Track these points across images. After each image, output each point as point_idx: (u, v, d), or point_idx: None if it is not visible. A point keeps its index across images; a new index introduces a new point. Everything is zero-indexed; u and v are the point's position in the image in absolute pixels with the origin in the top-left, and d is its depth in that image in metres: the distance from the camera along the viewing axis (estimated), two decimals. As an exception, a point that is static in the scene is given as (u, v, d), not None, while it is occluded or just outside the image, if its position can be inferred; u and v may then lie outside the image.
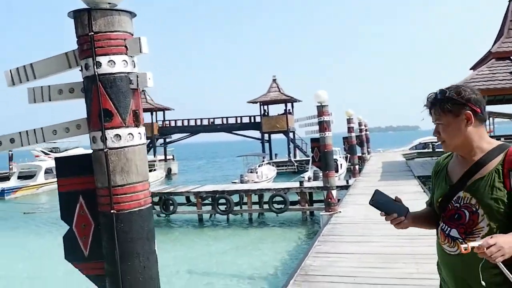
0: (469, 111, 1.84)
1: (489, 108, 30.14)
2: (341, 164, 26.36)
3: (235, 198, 17.75)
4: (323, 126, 10.01)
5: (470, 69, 21.88)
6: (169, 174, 42.81)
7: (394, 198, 2.08)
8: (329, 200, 9.99)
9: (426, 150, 36.07)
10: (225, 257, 12.87)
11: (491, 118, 35.08)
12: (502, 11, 19.77)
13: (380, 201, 2.03)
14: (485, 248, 1.60)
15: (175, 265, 12.17)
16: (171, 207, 17.58)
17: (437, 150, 33.84)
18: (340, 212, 10.04)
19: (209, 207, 17.67)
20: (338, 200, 13.67)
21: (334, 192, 10.09)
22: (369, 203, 2.03)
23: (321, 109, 10.06)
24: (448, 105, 1.85)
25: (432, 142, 37.32)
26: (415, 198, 11.69)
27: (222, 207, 17.21)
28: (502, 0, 19.80)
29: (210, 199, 17.74)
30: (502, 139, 23.10)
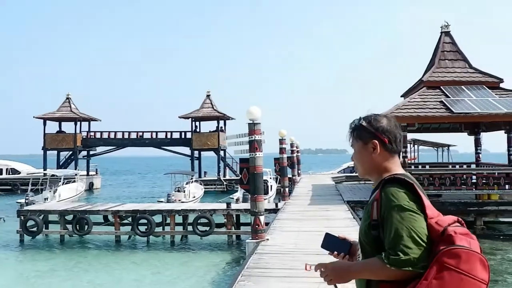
0: (375, 141, 1.85)
1: (416, 136, 31.20)
2: (271, 186, 25.82)
3: (158, 218, 16.51)
4: (254, 146, 9.21)
5: (401, 96, 22.25)
6: (91, 188, 40.35)
7: (338, 236, 2.06)
8: (257, 226, 9.15)
9: (354, 174, 36.48)
10: (142, 283, 11.65)
11: (415, 146, 36.40)
12: (433, 41, 20.34)
13: (330, 243, 2.02)
14: (318, 271, 1.82)
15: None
16: (86, 227, 15.99)
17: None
18: (267, 239, 9.22)
19: (128, 228, 16.26)
20: (267, 224, 12.93)
21: (262, 218, 9.27)
22: (321, 247, 2.05)
23: (252, 127, 9.26)
24: (359, 132, 1.89)
25: (360, 167, 37.91)
26: (346, 225, 11.17)
27: (143, 228, 15.90)
28: (434, 31, 20.40)
29: (130, 219, 16.37)
30: (427, 166, 23.64)
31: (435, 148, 37.07)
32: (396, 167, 1.86)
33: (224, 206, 16.00)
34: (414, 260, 1.60)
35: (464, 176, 16.25)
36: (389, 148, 1.85)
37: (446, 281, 1.55)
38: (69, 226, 16.27)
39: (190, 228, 15.78)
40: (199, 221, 15.62)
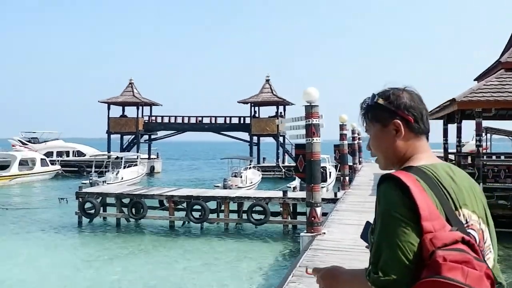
0: (398, 120, 1.46)
1: (490, 123, 28.89)
2: (330, 173, 24.79)
3: (212, 205, 16.13)
4: (311, 131, 8.39)
5: (475, 79, 20.46)
6: (152, 172, 41.09)
7: None
8: (313, 219, 8.38)
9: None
10: (193, 273, 11.28)
11: (487, 134, 33.80)
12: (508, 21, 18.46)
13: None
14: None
15: (137, 279, 10.59)
16: (141, 211, 15.90)
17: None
18: (324, 233, 8.44)
19: (183, 213, 15.99)
20: (325, 214, 12.11)
21: (318, 210, 8.49)
22: (360, 237, 1.65)
23: (309, 110, 8.45)
24: (376, 112, 1.50)
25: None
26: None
27: (197, 214, 15.58)
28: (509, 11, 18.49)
29: (184, 204, 16.09)
30: (502, 157, 21.67)
31: (510, 138, 34.24)
32: (423, 153, 1.49)
33: (280, 194, 15.32)
34: (394, 283, 1.25)
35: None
36: (416, 128, 1.49)
37: None
38: (125, 210, 16.25)
39: (244, 216, 15.28)
40: (253, 209, 15.08)
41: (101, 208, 16.88)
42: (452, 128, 21.27)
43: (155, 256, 12.89)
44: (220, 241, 14.44)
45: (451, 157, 21.40)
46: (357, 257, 6.86)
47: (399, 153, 1.49)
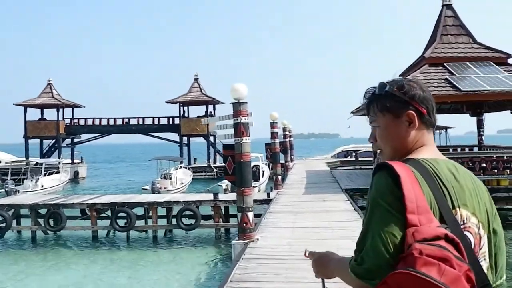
0: (412, 111, 1.42)
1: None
2: (263, 171, 24.42)
3: (139, 211, 15.11)
4: (240, 130, 7.76)
5: (400, 75, 20.73)
6: (76, 178, 38.80)
7: None
8: (244, 225, 7.75)
9: (348, 159, 35.25)
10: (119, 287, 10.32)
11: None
12: (433, 15, 18.95)
13: None
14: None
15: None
16: (60, 222, 14.54)
17: (360, 159, 33.09)
18: (257, 240, 7.85)
19: (107, 222, 14.82)
20: (258, 215, 11.55)
21: (250, 215, 7.87)
22: None
23: (238, 108, 7.80)
24: (387, 102, 1.45)
25: (355, 150, 36.68)
26: (347, 219, 9.84)
27: (122, 222, 14.49)
28: (434, 4, 18.93)
29: (108, 212, 14.93)
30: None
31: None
32: (429, 147, 1.44)
33: (211, 196, 14.59)
34: (370, 273, 1.21)
35: (471, 160, 14.97)
36: (427, 121, 1.44)
37: None
38: (41, 220, 14.81)
39: (174, 221, 14.41)
40: (183, 214, 14.26)
41: (15, 221, 15.34)
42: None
43: (76, 271, 11.75)
44: (149, 250, 13.49)
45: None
46: (293, 265, 6.32)
47: (408, 145, 1.44)
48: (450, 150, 22.90)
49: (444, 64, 16.96)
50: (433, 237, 1.17)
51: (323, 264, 1.54)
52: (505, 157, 14.93)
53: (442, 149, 23.90)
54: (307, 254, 1.63)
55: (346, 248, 6.93)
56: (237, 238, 7.97)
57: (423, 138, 1.44)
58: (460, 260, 1.14)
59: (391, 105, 1.43)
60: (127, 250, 13.62)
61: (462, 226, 1.28)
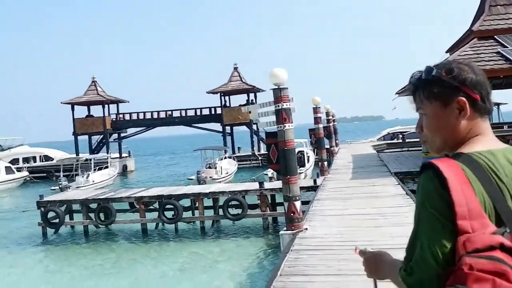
0: (463, 98, 1.26)
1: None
2: (308, 157, 24.06)
3: (186, 202, 15.18)
4: (282, 116, 7.50)
5: (447, 51, 19.91)
6: (124, 171, 39.78)
7: None
8: (292, 214, 7.52)
9: (395, 141, 34.31)
10: (170, 280, 10.41)
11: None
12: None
13: None
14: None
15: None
16: (110, 216, 14.83)
17: (407, 140, 32.13)
18: (306, 229, 7.60)
19: (155, 214, 14.98)
20: (306, 203, 11.30)
21: (297, 204, 7.62)
22: None
23: (278, 94, 7.54)
24: (434, 88, 1.30)
25: (402, 132, 35.66)
26: (399, 204, 9.42)
27: (170, 214, 14.60)
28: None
29: (156, 204, 15.07)
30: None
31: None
32: (484, 136, 1.28)
33: (256, 185, 14.44)
34: (419, 284, 1.14)
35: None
36: (482, 108, 1.28)
37: None
38: (91, 215, 15.15)
39: (220, 212, 14.38)
40: (230, 204, 14.20)
41: (67, 216, 15.79)
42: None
43: (127, 263, 11.94)
44: (197, 241, 13.55)
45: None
46: (345, 255, 6.03)
47: (459, 135, 1.30)
48: (505, 127, 21.80)
49: (495, 36, 15.97)
50: (486, 247, 1.05)
51: (376, 265, 1.47)
52: None
53: (495, 126, 22.75)
54: (357, 252, 1.56)
55: (399, 235, 6.60)
56: (285, 228, 7.74)
57: (476, 127, 1.29)
58: None
59: (439, 91, 1.30)
60: (176, 242, 13.71)
61: None
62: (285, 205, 7.68)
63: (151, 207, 15.35)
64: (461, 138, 1.30)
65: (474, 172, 1.16)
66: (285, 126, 7.51)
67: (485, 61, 14.20)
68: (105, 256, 12.76)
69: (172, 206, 14.45)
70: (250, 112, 9.42)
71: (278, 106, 7.55)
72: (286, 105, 7.54)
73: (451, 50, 19.07)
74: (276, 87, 7.61)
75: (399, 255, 1.35)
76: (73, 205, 15.98)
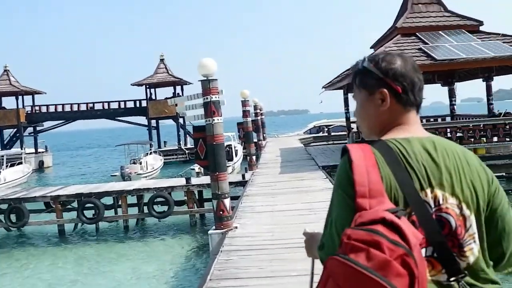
0: (384, 89, 1.33)
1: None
2: (236, 150, 23.80)
3: (109, 200, 14.30)
4: (211, 109, 7.06)
5: (371, 47, 20.41)
6: (41, 168, 37.35)
7: None
8: (221, 213, 7.12)
9: (321, 134, 34.96)
10: (89, 284, 9.62)
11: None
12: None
13: None
14: None
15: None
16: (22, 218, 13.59)
17: (332, 134, 32.83)
18: (236, 228, 7.24)
19: (74, 214, 13.96)
20: (235, 198, 10.99)
21: (227, 202, 7.24)
22: None
23: (207, 85, 7.09)
24: (363, 78, 1.38)
25: (327, 126, 36.40)
26: (327, 198, 9.30)
27: (90, 213, 13.67)
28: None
29: (75, 203, 14.05)
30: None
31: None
32: (407, 126, 1.34)
33: (183, 181, 13.89)
34: (325, 259, 1.16)
35: (448, 130, 14.73)
36: (404, 100, 1.34)
37: None
38: (2, 218, 13.85)
39: (146, 209, 13.67)
40: (155, 201, 13.54)
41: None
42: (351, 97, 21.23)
43: (42, 268, 10.96)
44: (120, 242, 12.77)
45: (354, 125, 21.48)
46: (277, 255, 5.76)
47: (381, 124, 1.37)
48: (423, 121, 22.80)
49: (417, 33, 16.58)
50: (369, 220, 1.12)
51: (311, 244, 1.56)
52: (481, 125, 14.74)
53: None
54: (304, 233, 1.65)
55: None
56: (214, 227, 7.34)
57: (400, 117, 1.35)
58: (395, 244, 1.05)
59: (367, 81, 1.37)
60: (97, 243, 12.84)
61: (436, 208, 1.23)
62: (214, 203, 7.27)
63: (69, 206, 14.31)
64: (384, 127, 1.36)
65: (385, 156, 1.24)
66: (214, 119, 7.09)
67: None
68: (18, 262, 11.67)
69: (92, 205, 13.52)
70: (176, 104, 8.89)
71: (207, 98, 7.11)
72: (215, 97, 7.12)
73: (376, 45, 19.56)
74: (205, 78, 7.16)
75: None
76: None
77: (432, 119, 22.05)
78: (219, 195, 7.18)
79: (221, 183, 7.21)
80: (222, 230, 7.06)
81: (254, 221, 7.79)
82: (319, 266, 1.29)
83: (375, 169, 1.21)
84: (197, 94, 7.41)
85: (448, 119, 20.82)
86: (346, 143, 15.20)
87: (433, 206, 1.23)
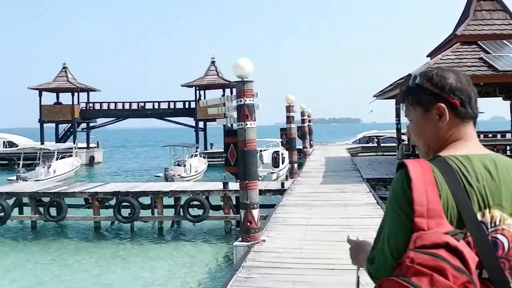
0: (442, 104, 1.32)
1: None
2: (284, 157, 23.21)
3: (146, 200, 14.17)
4: (244, 113, 6.60)
5: (427, 55, 19.35)
6: (91, 163, 38.30)
7: None
8: (248, 224, 6.63)
9: (370, 145, 33.83)
10: (121, 285, 9.42)
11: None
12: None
13: None
14: None
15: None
16: (61, 212, 13.68)
17: (382, 145, 31.66)
18: (263, 241, 6.72)
19: (111, 211, 13.91)
20: (271, 206, 10.47)
21: (255, 213, 6.73)
22: None
23: (241, 87, 6.63)
24: (417, 95, 1.36)
25: (377, 136, 35.20)
26: (368, 215, 8.65)
27: (127, 212, 13.58)
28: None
29: (114, 200, 14.00)
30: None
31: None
32: (466, 142, 1.32)
33: (220, 186, 13.52)
34: (377, 273, 1.24)
35: (508, 147, 13.59)
36: (462, 113, 1.32)
37: None
38: (41, 209, 14.01)
39: (181, 212, 13.40)
40: (191, 204, 13.26)
41: (16, 209, 14.61)
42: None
43: (76, 264, 10.90)
44: (153, 243, 12.55)
45: (404, 137, 20.46)
46: (302, 276, 5.19)
47: (440, 140, 1.35)
48: (481, 136, 21.39)
49: (478, 42, 15.46)
50: (432, 244, 1.11)
51: (357, 253, 1.56)
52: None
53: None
54: (348, 239, 1.65)
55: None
56: (240, 238, 6.85)
57: (458, 132, 1.33)
58: (459, 271, 1.07)
59: (421, 98, 1.35)
60: (130, 242, 12.68)
61: (493, 229, 1.20)
62: (242, 213, 6.79)
63: (107, 204, 14.30)
64: (442, 143, 1.34)
65: (443, 174, 1.21)
66: (246, 124, 6.62)
67: (468, 66, 13.60)
68: (50, 254, 11.71)
69: (129, 204, 13.42)
70: (206, 104, 8.48)
71: (240, 101, 6.65)
72: (249, 100, 6.65)
73: (433, 54, 18.51)
74: (240, 79, 6.70)
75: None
76: (22, 198, 14.79)
77: (490, 135, 20.61)
78: (248, 205, 6.69)
79: (250, 193, 6.71)
80: (248, 243, 6.56)
81: (285, 234, 7.25)
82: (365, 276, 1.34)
83: (433, 187, 1.19)
84: (231, 96, 6.97)
85: (508, 135, 19.37)
86: (395, 155, 14.31)
87: (489, 227, 1.21)
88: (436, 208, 1.16)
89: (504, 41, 15.44)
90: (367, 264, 1.27)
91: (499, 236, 1.20)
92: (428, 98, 1.33)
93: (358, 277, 1.62)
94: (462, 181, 1.21)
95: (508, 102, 19.54)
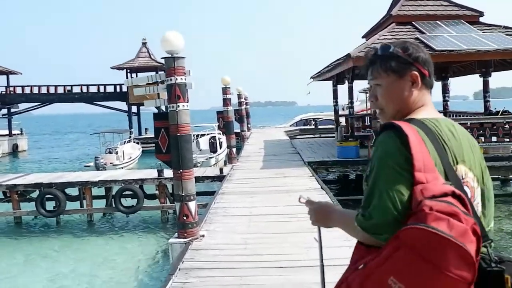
0: (415, 72, 1.50)
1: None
2: (221, 142, 22.47)
3: (74, 191, 13.01)
4: (174, 93, 5.84)
5: (363, 36, 19.28)
6: (15, 151, 35.69)
7: None
8: (184, 218, 5.92)
9: (308, 127, 33.89)
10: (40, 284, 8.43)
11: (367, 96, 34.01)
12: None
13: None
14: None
15: None
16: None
17: (319, 127, 31.78)
18: (202, 237, 6.05)
19: (33, 205, 12.63)
20: (210, 194, 9.80)
21: (192, 205, 6.03)
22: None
23: (171, 64, 5.86)
24: (391, 63, 1.50)
25: (314, 119, 35.33)
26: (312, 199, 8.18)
27: (52, 205, 12.39)
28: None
29: (36, 193, 12.73)
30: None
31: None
32: (428, 107, 1.51)
33: (155, 174, 12.65)
34: (376, 228, 1.30)
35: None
36: (428, 82, 1.53)
37: (401, 264, 1.18)
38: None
39: (113, 203, 12.41)
40: (123, 194, 12.31)
41: None
42: (341, 89, 20.22)
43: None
44: (81, 238, 11.50)
45: (342, 119, 20.41)
46: (248, 278, 4.60)
47: (410, 104, 1.50)
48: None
49: (413, 22, 15.54)
50: (441, 193, 1.23)
51: (324, 214, 1.60)
52: (478, 124, 13.73)
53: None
54: (301, 200, 1.70)
55: (316, 247, 5.35)
56: (176, 234, 6.14)
57: (423, 98, 1.50)
58: (467, 215, 1.20)
59: (396, 65, 1.48)
60: (56, 238, 11.55)
61: (462, 181, 1.35)
62: (177, 206, 6.06)
63: (29, 196, 13.01)
64: (411, 107, 1.49)
65: (426, 134, 1.36)
66: (178, 105, 5.86)
67: (404, 46, 13.53)
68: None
69: (53, 196, 12.23)
70: (131, 84, 7.62)
71: (171, 80, 5.87)
72: (181, 79, 5.88)
73: (369, 35, 18.43)
74: (170, 55, 5.91)
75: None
76: None
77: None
78: (183, 196, 5.97)
79: (185, 183, 5.99)
80: (185, 239, 5.86)
81: (226, 227, 6.62)
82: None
83: (423, 145, 1.32)
84: (159, 74, 6.16)
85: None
86: (333, 137, 14.03)
87: (461, 180, 1.35)
88: (430, 163, 1.29)
89: (437, 21, 15.57)
90: (362, 221, 1.31)
91: (465, 188, 1.35)
92: (403, 66, 1.47)
93: (320, 238, 1.70)
94: (440, 140, 1.36)
95: (439, 83, 19.92)
